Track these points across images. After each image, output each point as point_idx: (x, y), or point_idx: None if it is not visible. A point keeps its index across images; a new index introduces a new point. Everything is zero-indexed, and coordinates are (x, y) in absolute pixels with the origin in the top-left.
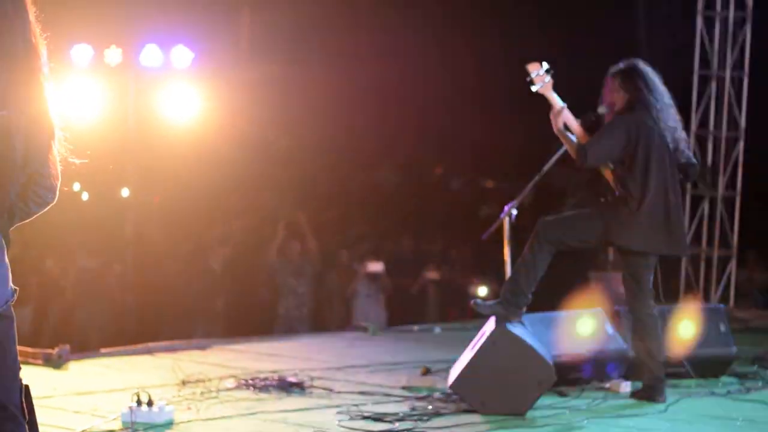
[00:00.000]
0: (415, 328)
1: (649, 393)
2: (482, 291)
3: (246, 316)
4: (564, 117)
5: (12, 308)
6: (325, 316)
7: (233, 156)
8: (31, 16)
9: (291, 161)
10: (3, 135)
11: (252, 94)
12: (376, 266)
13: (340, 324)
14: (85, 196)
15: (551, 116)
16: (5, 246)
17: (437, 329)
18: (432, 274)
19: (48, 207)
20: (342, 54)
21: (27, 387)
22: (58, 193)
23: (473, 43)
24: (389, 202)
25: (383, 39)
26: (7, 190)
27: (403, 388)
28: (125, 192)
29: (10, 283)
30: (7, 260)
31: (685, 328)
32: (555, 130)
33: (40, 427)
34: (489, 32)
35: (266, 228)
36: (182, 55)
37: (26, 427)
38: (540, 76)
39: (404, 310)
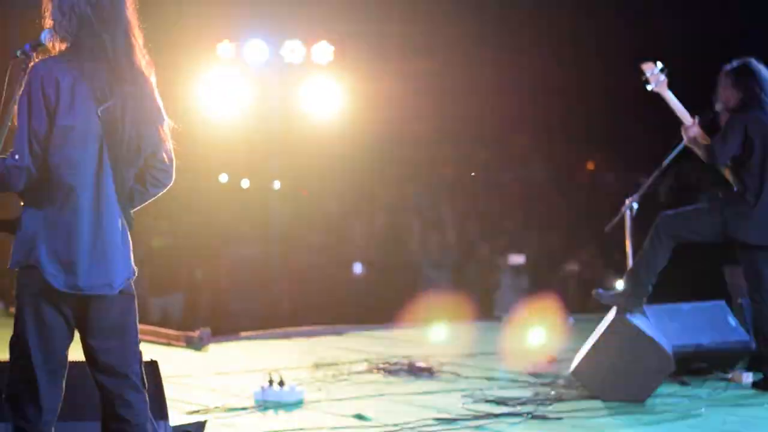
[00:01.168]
0: None
1: None
2: (620, 284)
3: (386, 307)
4: (693, 130)
5: (132, 285)
6: (465, 308)
7: (378, 150)
8: (130, 13)
9: (438, 155)
10: (113, 125)
11: (398, 87)
12: (518, 258)
13: (479, 315)
14: (245, 184)
15: (682, 130)
16: (128, 227)
17: (571, 320)
18: (572, 267)
19: (166, 189)
20: (492, 47)
21: (155, 362)
22: (174, 175)
23: (625, 37)
24: (539, 197)
25: (534, 31)
26: (126, 175)
27: (529, 374)
28: (276, 185)
29: (132, 263)
30: (130, 240)
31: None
32: (686, 141)
33: (177, 403)
34: (639, 26)
35: (410, 221)
36: (324, 50)
37: (146, 395)
38: (654, 75)
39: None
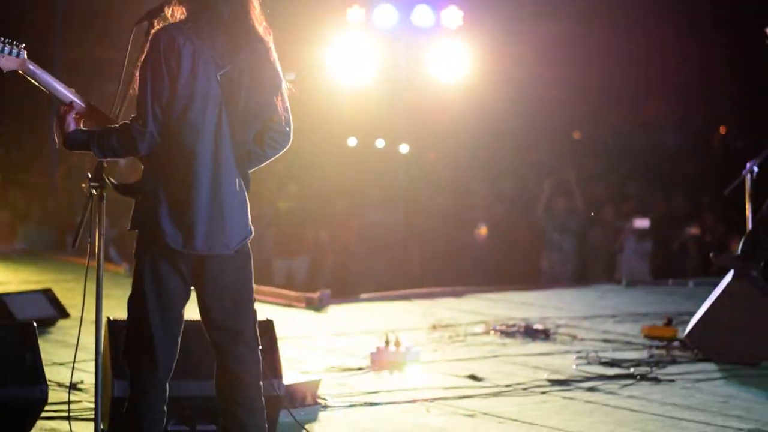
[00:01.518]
0: (670, 282)
1: None
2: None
3: (510, 271)
4: None
5: (248, 245)
6: (589, 272)
7: (505, 114)
8: None
9: (566, 119)
10: (231, 89)
11: (526, 53)
12: (643, 222)
13: (602, 278)
14: (380, 143)
15: None
16: (245, 188)
17: (691, 283)
18: (693, 230)
19: (283, 151)
20: (624, 11)
21: (271, 321)
22: (291, 137)
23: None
24: (667, 161)
25: None
26: (244, 138)
27: (645, 336)
28: (404, 148)
29: (249, 223)
30: (247, 201)
31: None
32: None
33: (293, 363)
34: None
35: (535, 185)
36: (453, 15)
37: (259, 353)
38: None
39: (666, 266)
